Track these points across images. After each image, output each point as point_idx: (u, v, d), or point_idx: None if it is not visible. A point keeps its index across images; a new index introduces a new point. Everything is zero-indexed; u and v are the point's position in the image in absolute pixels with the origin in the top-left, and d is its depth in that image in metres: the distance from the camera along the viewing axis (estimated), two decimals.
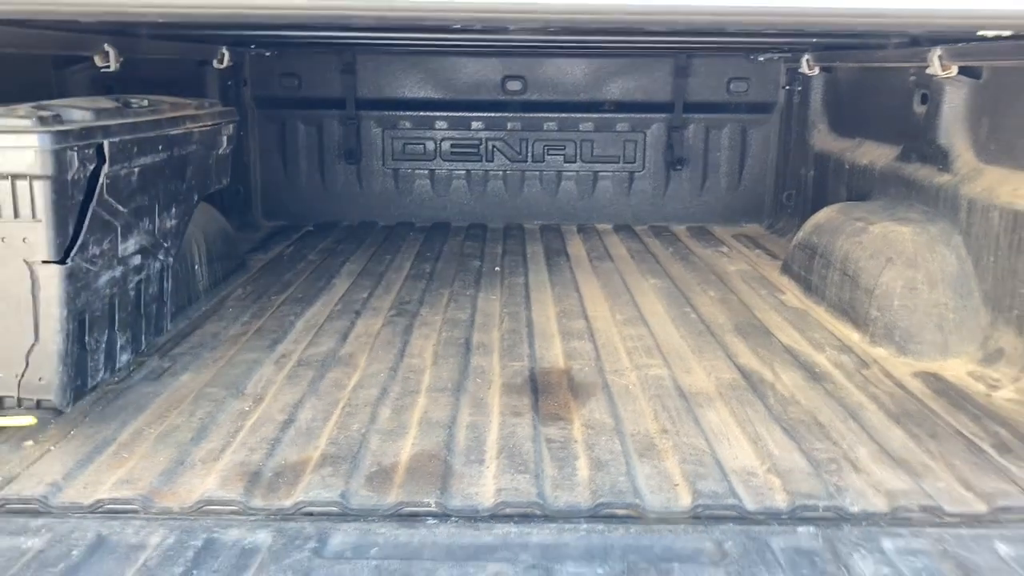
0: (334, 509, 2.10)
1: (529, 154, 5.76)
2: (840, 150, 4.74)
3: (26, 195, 2.21)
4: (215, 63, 4.93)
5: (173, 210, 3.00)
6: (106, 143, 2.42)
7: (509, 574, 1.79)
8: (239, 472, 2.26)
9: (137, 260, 2.75)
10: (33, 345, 2.28)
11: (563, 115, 5.71)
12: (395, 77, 5.68)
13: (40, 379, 2.30)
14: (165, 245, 2.97)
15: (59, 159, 2.22)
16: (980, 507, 2.12)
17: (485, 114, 5.72)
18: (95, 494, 2.14)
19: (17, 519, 2.02)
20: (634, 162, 5.78)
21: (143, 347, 2.93)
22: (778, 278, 4.34)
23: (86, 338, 2.44)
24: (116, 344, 2.67)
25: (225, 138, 3.45)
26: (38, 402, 2.34)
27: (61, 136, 2.22)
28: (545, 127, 5.73)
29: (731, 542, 1.93)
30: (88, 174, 2.38)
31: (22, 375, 2.29)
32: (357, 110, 5.67)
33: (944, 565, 1.85)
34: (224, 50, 4.88)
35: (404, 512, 2.09)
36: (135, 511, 2.09)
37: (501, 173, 5.79)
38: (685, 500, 2.14)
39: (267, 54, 5.49)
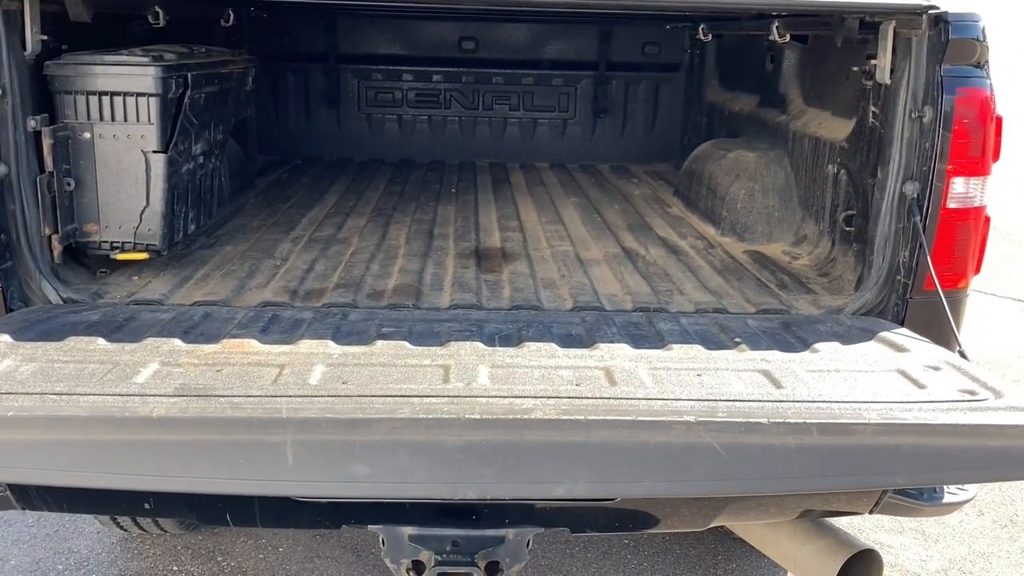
0: (349, 308, 3.34)
1: (480, 103, 6.97)
2: (723, 100, 6.03)
3: (145, 107, 3.39)
4: (222, 22, 6.05)
5: (221, 127, 4.18)
6: (189, 75, 3.61)
7: (456, 327, 3.05)
8: (284, 290, 3.49)
9: (201, 160, 3.94)
10: (145, 207, 3.47)
11: (509, 71, 6.91)
12: (369, 36, 6.84)
13: (149, 230, 3.49)
14: (216, 152, 4.16)
15: (165, 84, 3.41)
16: (750, 309, 3.43)
17: (444, 68, 6.91)
18: (192, 298, 3.36)
19: (150, 307, 3.23)
20: (567, 111, 7.01)
21: (202, 223, 4.12)
22: (670, 198, 5.63)
23: (175, 206, 3.64)
24: (188, 216, 3.86)
25: (251, 78, 4.63)
26: (147, 246, 3.53)
27: (167, 69, 3.41)
28: (494, 80, 6.93)
29: (591, 317, 3.22)
30: (179, 95, 3.56)
31: (137, 227, 3.48)
32: (337, 63, 6.82)
33: (711, 328, 3.14)
34: (230, 11, 6.00)
35: (393, 308, 3.34)
36: (223, 306, 3.31)
37: (457, 119, 6.99)
38: (568, 304, 3.42)
39: (264, 15, 6.61)
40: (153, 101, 3.38)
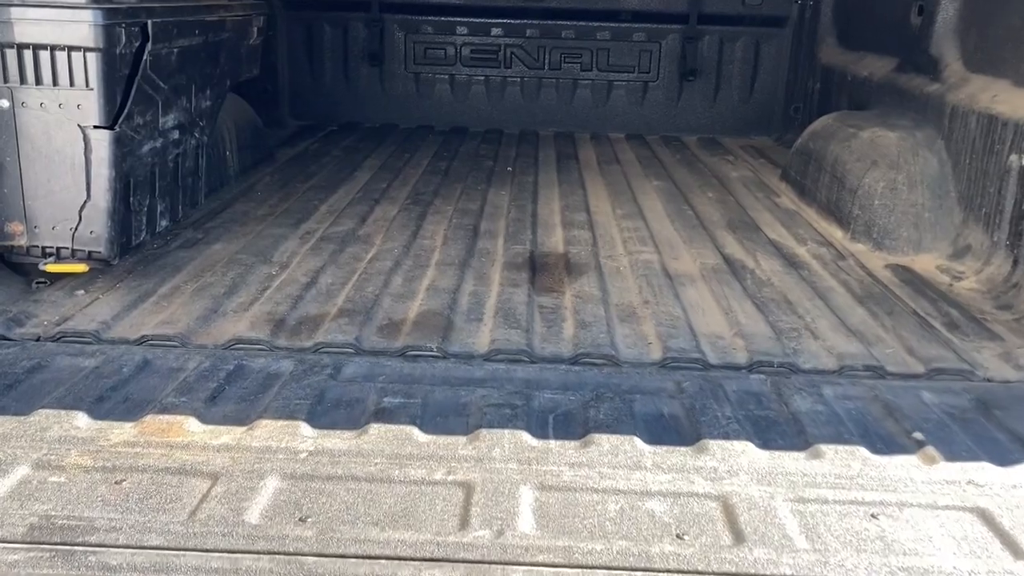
0: (349, 349, 2.41)
1: (546, 62, 5.94)
2: (844, 63, 4.90)
3: (80, 66, 2.47)
4: None
5: (208, 92, 3.26)
6: (150, 22, 2.68)
7: (494, 397, 2.09)
8: (266, 319, 2.57)
9: (176, 135, 3.02)
10: (85, 202, 2.57)
11: (581, 23, 5.87)
12: None
13: (91, 232, 2.60)
14: (200, 124, 3.24)
15: (109, 34, 2.48)
16: (918, 368, 2.40)
17: (505, 20, 5.89)
18: (140, 331, 2.46)
19: (75, 346, 2.34)
20: (648, 72, 5.94)
21: (180, 216, 3.22)
22: (776, 183, 4.56)
23: (131, 199, 2.74)
24: (157, 209, 2.97)
25: (255, 29, 3.69)
26: (89, 253, 2.64)
27: (111, 13, 2.48)
28: (563, 35, 5.89)
29: (690, 383, 2.22)
30: (134, 50, 2.64)
31: (75, 228, 2.59)
32: (381, 13, 5.85)
33: (872, 407, 2.13)
34: None
35: (410, 353, 2.40)
36: (175, 345, 2.41)
37: (518, 80, 5.98)
38: (656, 353, 2.43)
39: None
40: (92, 57, 2.47)
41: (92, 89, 2.49)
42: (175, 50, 2.89)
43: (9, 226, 2.58)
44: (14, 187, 2.55)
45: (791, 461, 1.82)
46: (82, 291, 2.74)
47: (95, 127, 2.53)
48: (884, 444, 1.92)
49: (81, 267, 2.62)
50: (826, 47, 5.32)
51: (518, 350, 2.41)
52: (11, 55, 2.46)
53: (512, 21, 5.89)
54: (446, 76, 5.99)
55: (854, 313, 2.79)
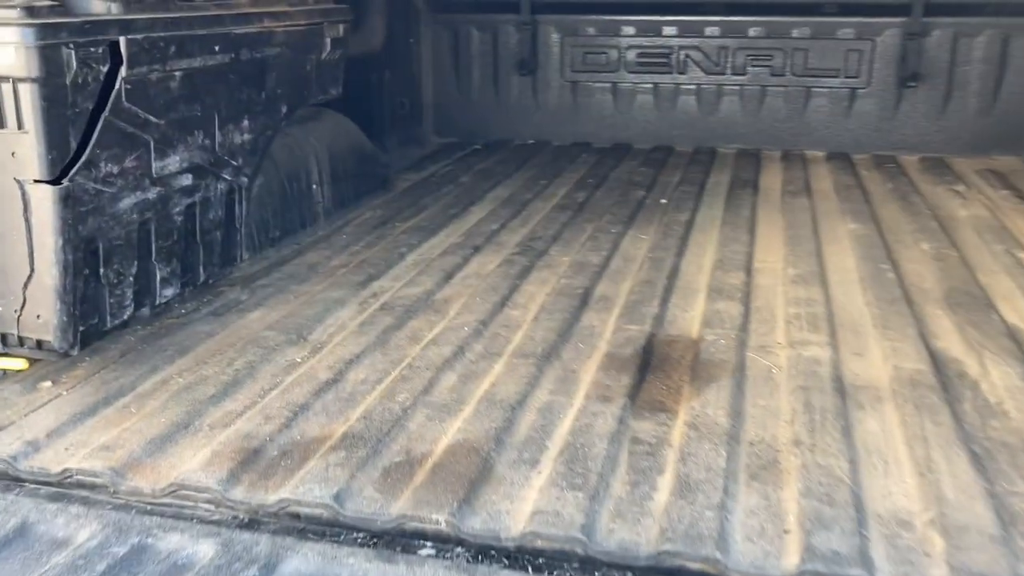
0: (323, 513, 1.65)
1: (728, 65, 4.94)
2: None
3: (10, 100, 1.86)
4: None
5: (245, 123, 2.61)
6: (123, 40, 2.03)
7: None
8: (239, 447, 1.86)
9: (187, 180, 2.38)
10: (29, 276, 1.97)
11: (772, 18, 4.83)
12: None
13: (38, 317, 2.00)
14: (234, 163, 2.60)
15: (48, 58, 1.85)
16: None
17: (679, 17, 4.96)
18: (68, 460, 1.82)
19: None
20: (857, 76, 4.80)
21: (203, 279, 2.59)
22: None
23: (101, 270, 2.11)
24: (154, 276, 2.34)
25: (329, 40, 3.01)
26: (38, 343, 2.04)
27: (50, 29, 1.85)
28: (750, 32, 4.87)
29: None
30: (98, 77, 2.00)
31: (20, 310, 2.00)
32: (533, 14, 5.08)
33: None
34: None
35: (406, 527, 1.60)
36: (103, 486, 1.74)
37: (694, 87, 5.02)
38: (789, 559, 1.49)
39: None
40: (25, 90, 1.85)
41: (25, 131, 1.87)
42: (177, 73, 2.24)
43: None
44: None
45: None
46: (49, 382, 2.15)
47: (35, 181, 1.91)
48: None
49: (18, 363, 2.02)
50: None
51: (568, 536, 1.55)
52: None
53: (688, 18, 4.95)
54: (608, 84, 5.13)
55: None
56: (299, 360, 2.30)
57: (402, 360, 2.29)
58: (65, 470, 1.78)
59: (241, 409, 2.04)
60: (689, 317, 2.57)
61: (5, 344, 2.05)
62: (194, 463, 1.80)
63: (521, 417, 1.99)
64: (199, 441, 1.90)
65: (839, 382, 2.14)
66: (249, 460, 1.81)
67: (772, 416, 1.99)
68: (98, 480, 1.76)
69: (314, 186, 3.41)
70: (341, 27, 3.08)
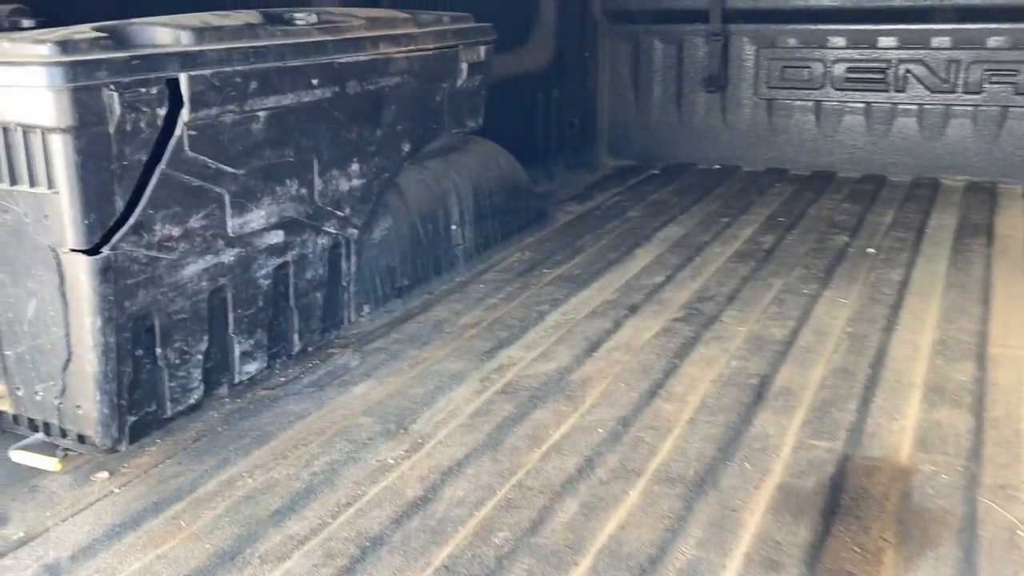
0: None
1: (960, 82, 4.14)
2: None
3: (39, 154, 1.54)
4: None
5: (354, 166, 2.22)
6: (184, 77, 1.68)
7: None
8: None
9: (274, 238, 2.02)
10: (67, 360, 1.65)
11: (1019, 25, 3.99)
12: None
13: (78, 407, 1.68)
14: (340, 214, 2.21)
15: (83, 102, 1.52)
16: None
17: (899, 26, 4.20)
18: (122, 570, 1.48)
19: None
20: None
21: (298, 349, 2.22)
22: None
23: (158, 350, 1.77)
24: (232, 351, 1.98)
25: (466, 66, 2.57)
26: (80, 436, 1.72)
27: (84, 68, 1.51)
28: (989, 43, 4.06)
29: None
30: (154, 122, 1.66)
31: (60, 398, 1.68)
32: (725, 23, 4.48)
33: None
34: None
35: None
36: None
37: (915, 107, 4.25)
38: None
39: None
40: (55, 142, 1.52)
41: (56, 191, 1.54)
42: (261, 114, 1.87)
43: None
44: None
45: None
46: (106, 473, 1.85)
47: (71, 250, 1.58)
48: None
49: (50, 462, 1.70)
50: None
51: None
52: None
53: (911, 27, 4.20)
54: (810, 103, 4.45)
55: None
56: (391, 462, 1.88)
57: (513, 472, 1.82)
58: None
59: (304, 535, 1.64)
60: (897, 430, 1.95)
61: (48, 434, 1.75)
62: None
63: None
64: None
65: None
66: None
67: None
68: None
69: (453, 227, 3.01)
70: (482, 49, 2.64)
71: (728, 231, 3.48)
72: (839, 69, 4.34)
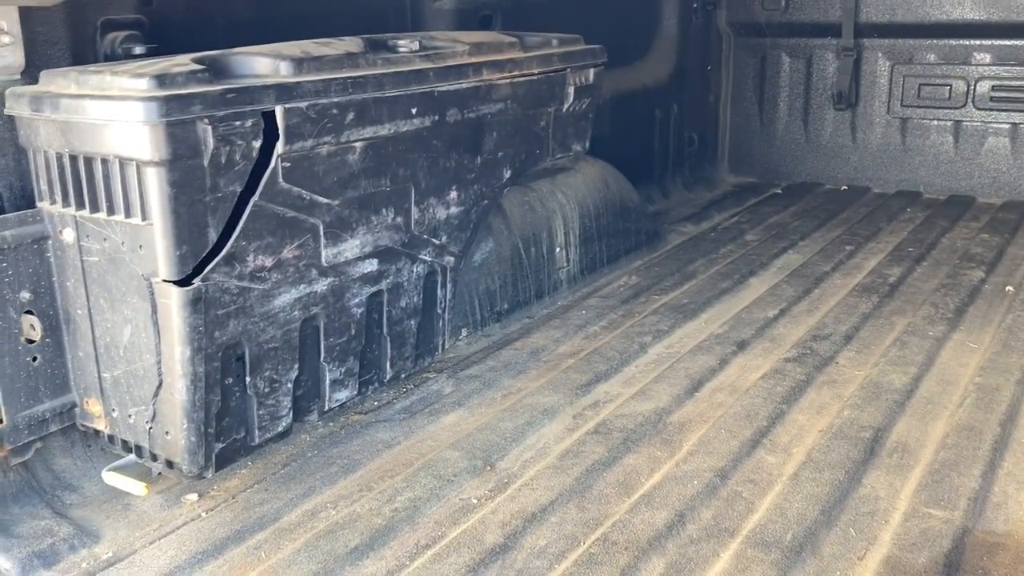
0: None
1: None
2: None
3: (134, 186, 1.56)
4: None
5: (452, 194, 2.18)
6: (279, 110, 1.67)
7: None
8: None
9: (369, 267, 1.99)
10: (158, 387, 1.67)
11: None
12: None
13: (167, 433, 1.69)
14: (436, 242, 2.17)
15: (177, 136, 1.53)
16: None
17: None
18: None
19: None
20: None
21: (390, 376, 2.20)
22: None
23: (248, 379, 1.77)
24: (323, 380, 1.97)
25: (572, 90, 2.50)
26: (169, 462, 1.74)
27: (178, 103, 1.52)
28: None
29: None
30: (249, 155, 1.65)
31: (151, 423, 1.71)
32: (857, 38, 4.25)
33: None
34: None
35: None
36: None
37: None
38: None
39: None
40: (150, 174, 1.53)
41: (150, 223, 1.56)
42: (357, 144, 1.85)
43: (88, 403, 1.80)
44: (88, 351, 1.74)
45: None
46: (195, 495, 1.87)
47: (163, 281, 1.60)
48: None
49: (138, 487, 1.72)
50: None
51: None
52: (67, 164, 1.63)
53: None
54: (948, 122, 4.18)
55: None
56: (474, 502, 1.83)
57: (600, 523, 1.74)
58: None
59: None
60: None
61: (139, 456, 1.78)
62: None
63: None
64: None
65: None
66: None
67: None
68: None
69: (558, 249, 2.94)
70: (591, 72, 2.55)
71: (851, 260, 3.29)
72: (983, 87, 4.05)
